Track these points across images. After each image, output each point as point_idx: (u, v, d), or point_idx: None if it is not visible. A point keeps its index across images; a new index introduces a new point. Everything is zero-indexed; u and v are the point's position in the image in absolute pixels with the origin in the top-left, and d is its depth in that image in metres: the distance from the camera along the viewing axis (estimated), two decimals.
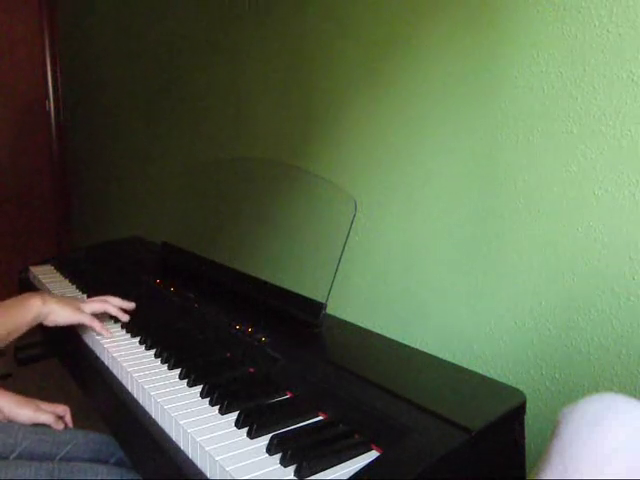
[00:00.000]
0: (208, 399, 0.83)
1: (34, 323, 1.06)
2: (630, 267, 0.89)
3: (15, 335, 1.05)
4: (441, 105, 1.17)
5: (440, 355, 0.91)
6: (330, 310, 1.00)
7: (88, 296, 1.33)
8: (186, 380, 0.89)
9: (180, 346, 1.03)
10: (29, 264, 1.66)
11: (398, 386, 0.78)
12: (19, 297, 1.09)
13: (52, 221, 3.30)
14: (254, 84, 1.74)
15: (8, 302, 1.07)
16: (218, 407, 0.80)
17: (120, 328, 1.14)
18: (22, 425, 1.11)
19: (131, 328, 1.12)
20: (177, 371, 0.92)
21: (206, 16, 1.94)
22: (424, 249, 1.22)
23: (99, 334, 1.09)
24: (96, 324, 1.09)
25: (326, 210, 1.06)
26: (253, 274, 1.17)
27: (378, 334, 1.02)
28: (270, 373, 0.90)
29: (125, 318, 1.15)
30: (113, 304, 1.15)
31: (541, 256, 1.01)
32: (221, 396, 0.81)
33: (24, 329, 1.05)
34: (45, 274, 1.56)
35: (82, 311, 1.10)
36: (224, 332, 1.05)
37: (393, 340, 0.98)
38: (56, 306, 1.07)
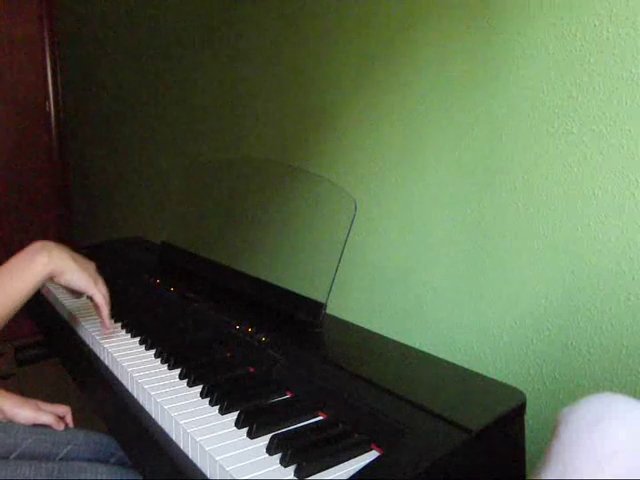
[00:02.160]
0: (208, 399, 0.83)
1: (37, 288, 0.96)
2: (630, 267, 0.89)
3: (12, 307, 0.94)
4: (441, 105, 1.17)
5: (440, 355, 0.91)
6: (330, 310, 1.00)
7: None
8: (186, 380, 0.89)
9: (180, 346, 1.03)
10: None
11: (398, 386, 0.78)
12: (23, 253, 0.97)
13: (52, 221, 3.30)
14: (254, 84, 1.74)
15: (6, 267, 0.95)
16: (218, 407, 0.80)
17: (120, 328, 1.14)
18: (22, 425, 1.11)
19: (131, 328, 1.12)
20: (177, 371, 0.92)
21: (206, 16, 1.94)
22: (424, 249, 1.22)
23: (102, 322, 1.03)
24: (105, 310, 1.03)
25: (326, 210, 1.06)
26: (253, 274, 1.17)
27: (378, 334, 1.02)
28: (270, 373, 0.91)
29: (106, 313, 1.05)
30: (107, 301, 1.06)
31: (541, 256, 1.01)
32: (221, 396, 0.81)
33: (23, 299, 0.95)
34: None
35: (98, 286, 1.02)
36: (224, 332, 1.05)
37: (393, 340, 0.98)
38: (73, 267, 0.98)
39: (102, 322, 1.05)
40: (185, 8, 2.06)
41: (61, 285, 1.01)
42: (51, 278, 0.98)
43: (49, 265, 0.95)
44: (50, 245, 1.00)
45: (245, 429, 0.74)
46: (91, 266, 1.05)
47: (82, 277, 0.99)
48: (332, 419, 0.78)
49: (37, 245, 0.98)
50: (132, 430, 0.87)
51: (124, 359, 0.98)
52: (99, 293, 1.02)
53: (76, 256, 1.02)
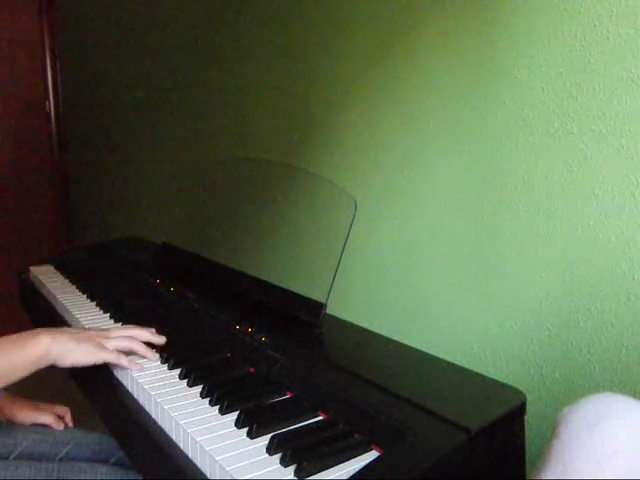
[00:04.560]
0: (208, 399, 0.83)
1: (39, 365, 0.89)
2: (630, 267, 0.89)
3: (12, 378, 0.88)
4: (441, 105, 1.17)
5: (440, 355, 0.91)
6: (330, 310, 1.00)
7: (90, 297, 1.32)
8: (186, 380, 0.89)
9: (180, 346, 1.03)
10: (29, 264, 1.66)
11: (398, 386, 0.78)
12: (25, 332, 0.92)
13: (52, 221, 3.30)
14: (255, 84, 1.74)
15: (9, 337, 0.90)
16: (218, 407, 0.80)
17: None
18: (22, 425, 1.11)
19: None
20: (177, 371, 0.92)
21: (207, 16, 1.94)
22: (424, 249, 1.22)
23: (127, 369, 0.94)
24: (123, 360, 0.93)
25: (326, 210, 1.06)
26: (253, 274, 1.17)
27: (378, 334, 1.02)
28: (270, 373, 0.90)
29: (154, 357, 0.97)
30: (141, 338, 0.99)
31: (541, 256, 1.01)
32: (221, 396, 0.81)
33: (24, 371, 0.88)
34: (45, 274, 1.56)
35: (105, 348, 0.94)
36: (224, 332, 1.05)
37: (393, 340, 0.98)
38: (72, 345, 0.91)
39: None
40: (187, 6, 2.06)
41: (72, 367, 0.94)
42: (55, 363, 0.91)
43: (51, 345, 0.90)
44: (50, 329, 0.95)
45: (245, 429, 0.74)
46: (94, 333, 0.98)
47: (84, 351, 0.92)
48: (332, 419, 0.78)
49: (36, 330, 0.94)
50: (132, 430, 0.87)
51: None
52: (109, 354, 0.94)
53: (77, 331, 0.97)
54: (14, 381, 0.88)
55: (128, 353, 0.96)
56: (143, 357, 0.97)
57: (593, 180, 0.93)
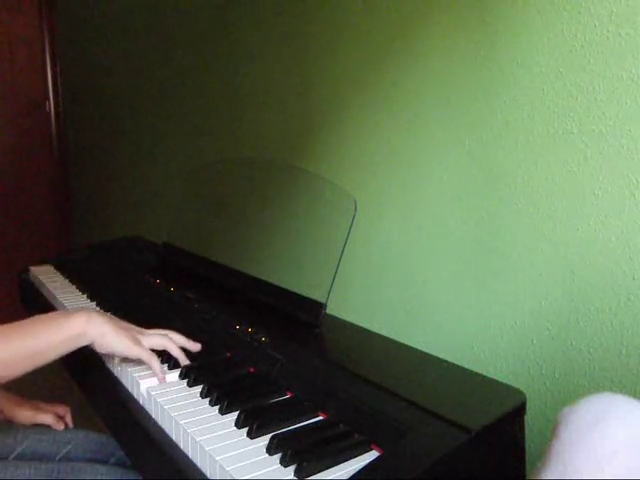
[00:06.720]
0: (208, 399, 0.83)
1: (75, 344, 0.87)
2: (630, 267, 0.89)
3: (48, 356, 0.85)
4: (441, 105, 1.17)
5: (440, 355, 0.91)
6: (330, 310, 1.00)
7: (90, 297, 1.32)
8: (186, 380, 0.89)
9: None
10: (29, 264, 1.66)
11: (398, 386, 0.78)
12: (59, 312, 0.89)
13: (52, 221, 3.30)
14: (255, 84, 1.74)
15: (47, 315, 0.89)
16: (218, 407, 0.80)
17: None
18: (22, 425, 1.11)
19: None
20: (177, 371, 0.92)
21: (208, 16, 1.94)
22: (424, 249, 1.22)
23: (155, 374, 0.91)
24: (155, 364, 0.90)
25: (326, 210, 1.06)
26: (253, 274, 1.17)
27: (378, 334, 1.02)
28: (270, 373, 0.90)
29: (185, 361, 0.94)
30: (176, 342, 0.96)
31: (541, 256, 1.01)
32: (221, 396, 0.81)
33: (60, 350, 0.86)
34: (45, 274, 1.56)
35: (140, 345, 0.91)
36: (224, 332, 1.05)
37: (393, 340, 0.98)
38: (110, 329, 0.88)
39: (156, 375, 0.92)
40: (187, 8, 2.06)
41: (105, 354, 0.95)
42: (91, 344, 0.90)
43: (87, 325, 0.87)
44: (90, 310, 0.94)
45: (245, 429, 0.74)
46: (134, 327, 0.96)
47: (120, 341, 0.90)
48: (332, 419, 0.78)
49: (76, 308, 0.93)
50: (132, 430, 0.87)
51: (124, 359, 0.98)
52: (144, 352, 0.91)
53: (116, 320, 0.94)
54: (49, 360, 0.86)
55: (160, 353, 0.94)
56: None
57: (593, 180, 0.93)
